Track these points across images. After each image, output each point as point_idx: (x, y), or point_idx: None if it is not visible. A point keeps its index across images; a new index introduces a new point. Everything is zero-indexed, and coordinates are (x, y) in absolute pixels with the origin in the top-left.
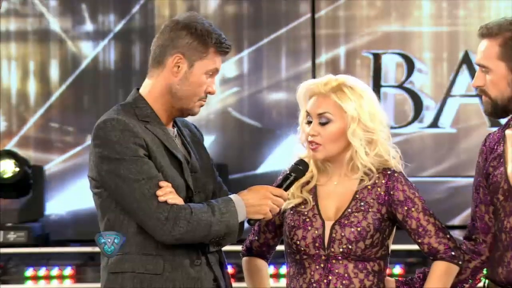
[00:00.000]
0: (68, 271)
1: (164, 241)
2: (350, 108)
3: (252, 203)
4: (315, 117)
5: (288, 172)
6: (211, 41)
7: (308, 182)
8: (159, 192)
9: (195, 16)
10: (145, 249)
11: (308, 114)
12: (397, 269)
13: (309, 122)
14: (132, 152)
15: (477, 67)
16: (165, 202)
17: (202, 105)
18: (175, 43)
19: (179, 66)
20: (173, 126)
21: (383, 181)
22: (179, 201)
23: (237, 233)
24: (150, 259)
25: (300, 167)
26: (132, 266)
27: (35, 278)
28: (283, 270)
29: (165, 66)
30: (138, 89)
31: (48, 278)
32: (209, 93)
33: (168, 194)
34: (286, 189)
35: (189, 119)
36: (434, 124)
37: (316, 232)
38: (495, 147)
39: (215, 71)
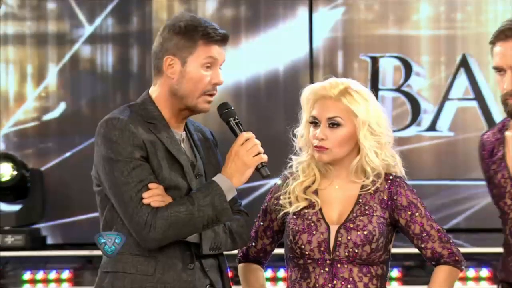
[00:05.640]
0: (66, 274)
1: (146, 246)
2: (361, 112)
3: (233, 171)
4: (324, 120)
5: (230, 119)
6: (197, 34)
7: (310, 186)
8: (144, 195)
9: (179, 15)
10: (138, 250)
11: (314, 117)
12: (395, 273)
13: (315, 126)
14: (128, 154)
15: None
16: (148, 205)
17: (209, 101)
18: (164, 47)
19: (173, 67)
20: (184, 130)
21: (386, 186)
22: (165, 203)
23: (229, 209)
24: (142, 260)
25: (231, 109)
26: (123, 266)
27: (33, 281)
28: (281, 273)
29: (163, 72)
30: (149, 90)
31: (46, 281)
32: (216, 84)
33: (153, 197)
34: (242, 131)
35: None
36: (432, 127)
37: (321, 236)
38: (495, 151)
39: (213, 61)
